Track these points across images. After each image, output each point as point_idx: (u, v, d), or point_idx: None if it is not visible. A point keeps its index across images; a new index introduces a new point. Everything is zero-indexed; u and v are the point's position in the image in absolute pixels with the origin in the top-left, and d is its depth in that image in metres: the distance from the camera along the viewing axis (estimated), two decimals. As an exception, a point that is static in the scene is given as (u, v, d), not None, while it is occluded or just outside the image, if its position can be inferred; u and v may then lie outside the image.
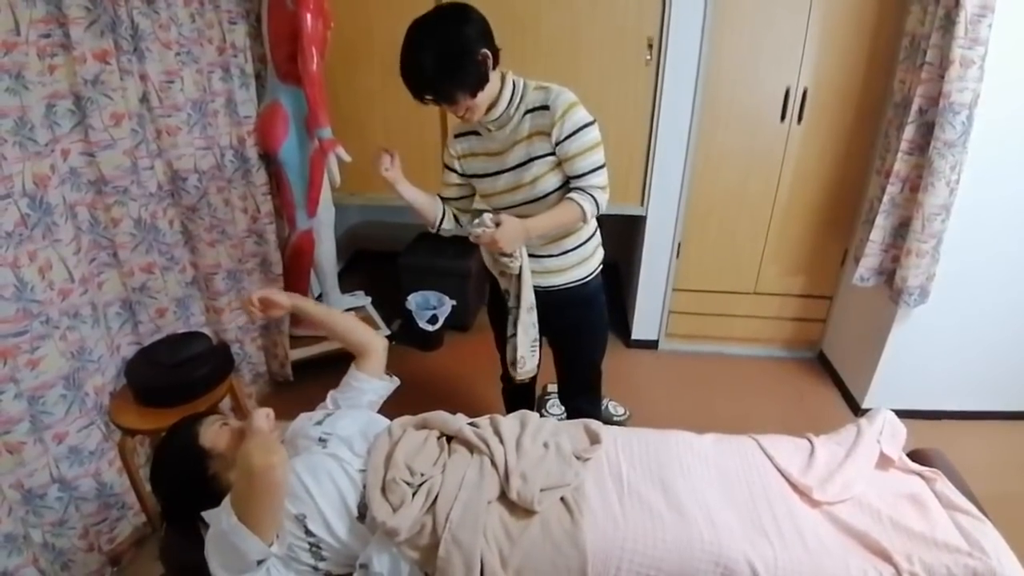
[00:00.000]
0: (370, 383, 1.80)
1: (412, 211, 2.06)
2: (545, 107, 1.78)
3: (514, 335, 2.04)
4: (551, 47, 2.92)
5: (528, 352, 2.07)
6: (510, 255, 1.85)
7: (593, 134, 1.80)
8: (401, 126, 3.22)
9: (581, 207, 1.81)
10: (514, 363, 2.07)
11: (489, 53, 1.69)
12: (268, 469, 1.26)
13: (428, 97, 1.70)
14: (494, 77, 1.76)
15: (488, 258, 2.01)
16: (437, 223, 2.07)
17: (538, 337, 2.08)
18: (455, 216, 2.12)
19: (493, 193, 1.97)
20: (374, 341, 1.87)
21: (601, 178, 1.84)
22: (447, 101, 1.71)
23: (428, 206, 2.05)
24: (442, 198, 2.12)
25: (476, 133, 1.93)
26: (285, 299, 1.82)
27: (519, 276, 1.95)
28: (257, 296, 1.78)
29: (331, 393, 1.81)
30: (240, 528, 1.25)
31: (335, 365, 1.92)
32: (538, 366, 2.13)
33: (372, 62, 3.10)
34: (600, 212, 1.88)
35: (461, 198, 2.10)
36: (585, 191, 1.82)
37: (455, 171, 2.03)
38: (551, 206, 1.86)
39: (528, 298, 1.99)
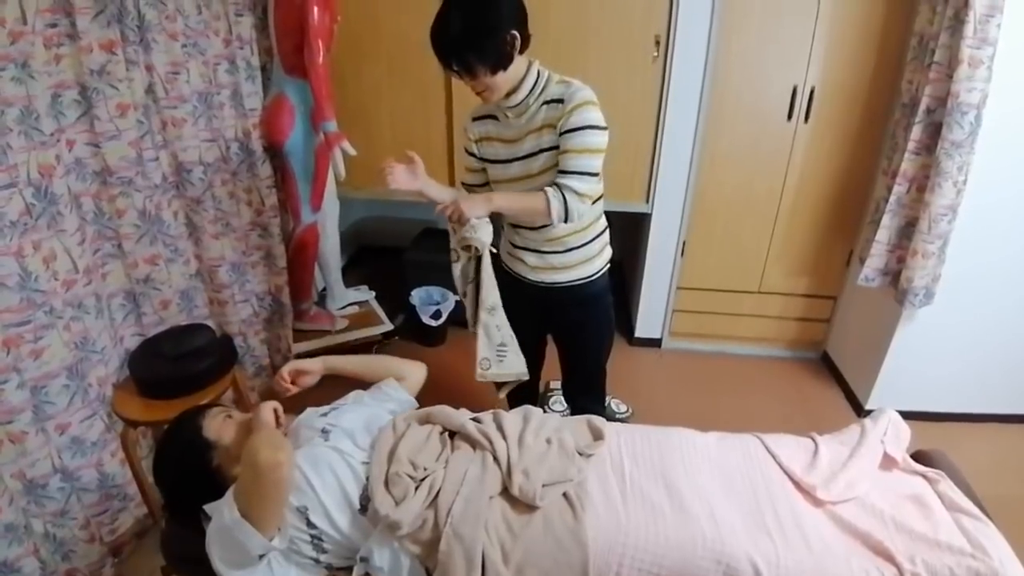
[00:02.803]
0: (400, 394, 1.80)
1: None
2: (561, 100, 1.76)
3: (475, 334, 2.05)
4: (558, 41, 2.91)
5: (494, 356, 2.06)
6: (470, 225, 1.84)
7: (596, 139, 1.75)
8: (407, 120, 3.21)
9: (548, 203, 1.76)
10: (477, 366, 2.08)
11: (518, 36, 1.68)
12: (275, 466, 1.26)
13: (453, 66, 1.69)
14: (520, 62, 1.74)
15: (454, 236, 1.98)
16: None
17: (507, 343, 2.05)
18: None
19: (504, 180, 1.96)
20: (415, 372, 1.89)
21: (584, 184, 1.77)
22: (468, 73, 1.69)
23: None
24: (466, 186, 2.11)
25: (494, 118, 1.92)
26: (317, 365, 1.78)
27: (479, 269, 1.95)
28: (288, 370, 1.73)
29: (356, 391, 1.80)
30: (242, 523, 1.26)
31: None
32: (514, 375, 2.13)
33: (379, 56, 3.10)
34: (570, 220, 1.81)
35: (484, 184, 2.08)
36: (561, 189, 1.76)
37: (474, 155, 2.02)
38: None
39: (489, 299, 1.98)
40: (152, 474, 1.55)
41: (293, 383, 1.74)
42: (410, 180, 1.86)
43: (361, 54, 3.10)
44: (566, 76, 1.83)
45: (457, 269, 2.05)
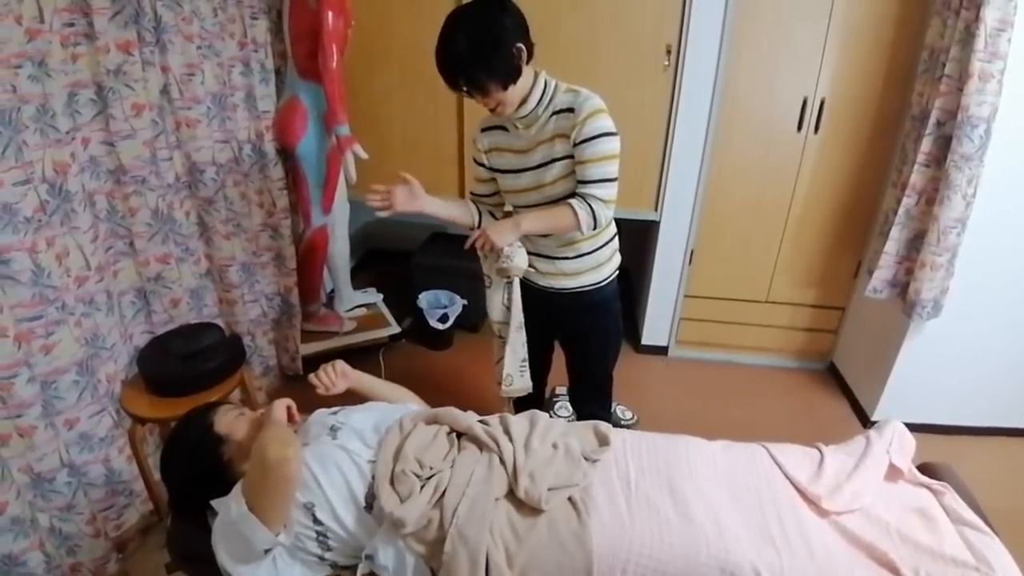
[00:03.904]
0: (414, 408, 1.81)
1: (448, 222, 2.08)
2: (571, 110, 1.77)
3: (502, 358, 2.08)
4: (569, 50, 2.92)
5: (516, 371, 2.10)
6: (505, 254, 1.89)
7: (611, 145, 1.78)
8: (418, 125, 3.23)
9: (576, 215, 1.79)
10: (500, 382, 2.12)
11: (524, 48, 1.69)
12: (283, 462, 1.27)
13: (462, 85, 1.70)
14: (527, 73, 1.75)
15: (486, 263, 2.03)
16: (476, 226, 2.07)
17: (526, 358, 2.11)
18: (492, 214, 2.12)
19: (514, 190, 1.97)
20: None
21: (606, 191, 1.81)
22: (479, 90, 1.71)
23: (461, 214, 2.05)
24: (475, 196, 2.12)
25: (503, 128, 1.93)
26: (354, 377, 1.80)
27: (511, 286, 1.98)
28: (339, 367, 1.76)
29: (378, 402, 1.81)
30: (249, 517, 1.26)
31: (344, 360, 1.92)
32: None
33: (391, 61, 3.11)
34: (599, 226, 1.86)
35: (493, 194, 2.10)
36: (585, 199, 1.80)
37: (483, 165, 2.03)
38: None
39: (519, 317, 2.03)
40: (160, 469, 1.55)
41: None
42: (410, 201, 1.91)
43: (373, 59, 3.11)
44: (575, 84, 1.84)
45: (492, 293, 2.07)
